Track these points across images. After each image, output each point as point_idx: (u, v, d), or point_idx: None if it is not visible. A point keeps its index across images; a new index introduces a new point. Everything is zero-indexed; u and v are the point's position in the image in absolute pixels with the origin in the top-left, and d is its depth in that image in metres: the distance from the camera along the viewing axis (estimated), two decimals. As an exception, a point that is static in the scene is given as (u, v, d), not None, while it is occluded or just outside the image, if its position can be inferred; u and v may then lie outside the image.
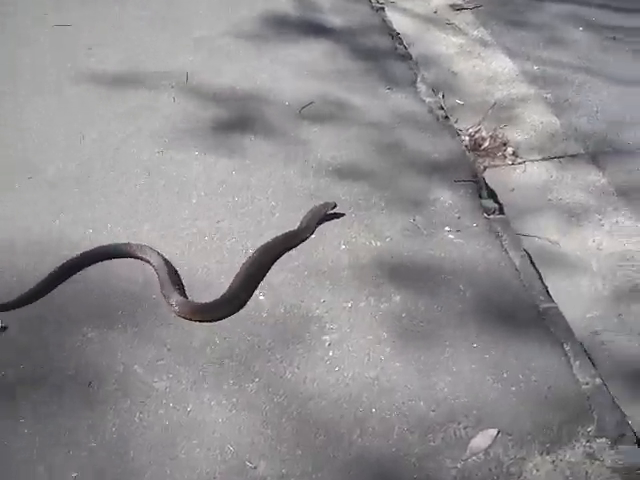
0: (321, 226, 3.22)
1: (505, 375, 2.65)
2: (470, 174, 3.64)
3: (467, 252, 3.16)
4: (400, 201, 3.39)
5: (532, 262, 3.25)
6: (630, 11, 5.40)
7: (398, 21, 5.21)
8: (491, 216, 3.42)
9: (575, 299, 3.20)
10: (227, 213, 3.23)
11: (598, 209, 3.66)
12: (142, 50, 4.36)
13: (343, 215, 3.26)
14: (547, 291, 3.08)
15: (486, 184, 3.72)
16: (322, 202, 3.25)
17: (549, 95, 4.48)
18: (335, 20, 4.87)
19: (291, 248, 3.09)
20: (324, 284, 2.95)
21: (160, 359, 2.58)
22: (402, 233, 3.24)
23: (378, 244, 3.17)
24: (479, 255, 3.15)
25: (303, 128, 3.81)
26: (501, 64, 4.79)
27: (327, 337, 2.74)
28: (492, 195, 3.66)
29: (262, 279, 2.93)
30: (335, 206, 3.26)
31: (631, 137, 4.12)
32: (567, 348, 2.79)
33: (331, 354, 2.68)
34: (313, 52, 4.49)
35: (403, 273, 3.03)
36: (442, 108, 4.22)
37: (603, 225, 3.58)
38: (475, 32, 5.14)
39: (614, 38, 5.01)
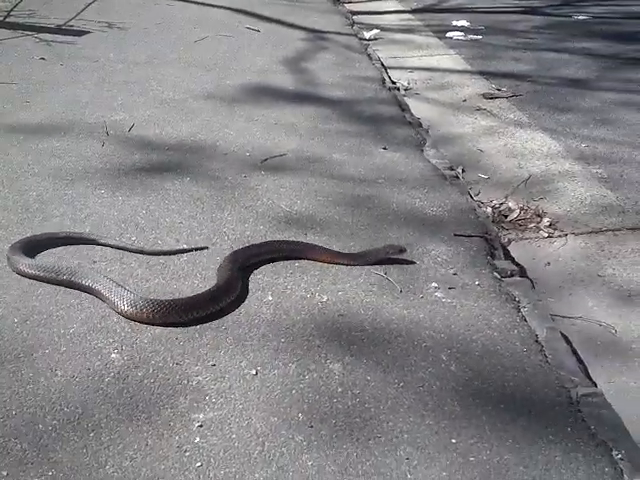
0: (248, 272, 2.26)
1: (502, 494, 1.49)
2: (479, 231, 2.65)
3: (460, 315, 2.10)
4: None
5: (567, 340, 2.14)
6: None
7: (418, 107, 4.52)
8: (506, 279, 2.37)
9: (636, 397, 2.02)
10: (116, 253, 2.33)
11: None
12: (87, 104, 3.77)
13: (413, 263, 2.39)
14: (587, 374, 1.93)
15: (503, 245, 2.70)
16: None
17: (600, 170, 3.54)
18: (339, 93, 4.22)
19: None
20: (223, 343, 1.92)
21: None
22: (363, 287, 2.23)
23: (324, 299, 2.15)
24: (479, 320, 2.08)
25: (259, 177, 2.98)
26: (539, 143, 3.94)
27: (199, 416, 1.66)
28: (515, 263, 2.62)
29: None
30: (403, 251, 2.42)
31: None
32: (618, 456, 1.61)
33: (196, 441, 1.59)
34: (299, 115, 3.79)
35: (353, 336, 1.98)
36: (452, 169, 3.34)
37: (681, 306, 2.44)
38: (510, 115, 4.38)
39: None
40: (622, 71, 5.27)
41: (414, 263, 2.41)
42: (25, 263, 2.17)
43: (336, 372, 1.83)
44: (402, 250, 2.44)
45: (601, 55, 5.75)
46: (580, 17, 7.18)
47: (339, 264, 2.37)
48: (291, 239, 2.47)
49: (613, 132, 4.08)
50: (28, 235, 2.38)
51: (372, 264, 2.38)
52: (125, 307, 1.99)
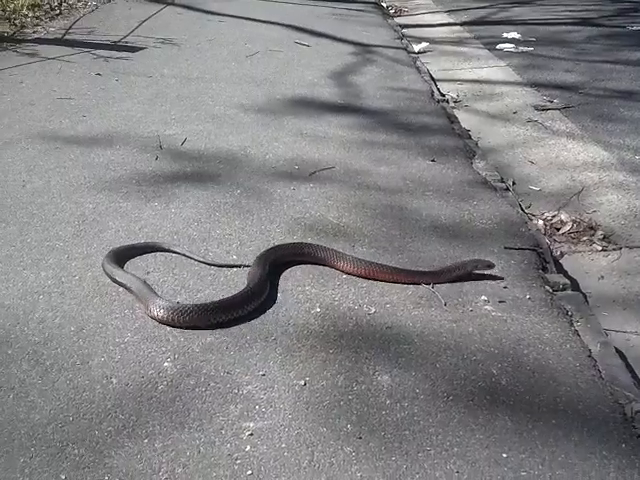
0: (290, 283, 2.29)
1: (554, 510, 1.47)
2: (530, 244, 2.62)
3: (511, 329, 2.08)
4: (413, 265, 2.42)
5: (622, 355, 2.10)
6: None
7: (468, 119, 4.51)
8: (558, 293, 2.34)
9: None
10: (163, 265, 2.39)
11: None
12: (141, 118, 3.87)
13: (501, 279, 2.37)
14: (643, 389, 1.89)
15: (555, 258, 2.67)
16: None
17: (654, 183, 3.46)
18: (386, 106, 4.24)
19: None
20: (272, 353, 1.94)
21: None
22: (411, 299, 2.23)
23: (372, 310, 2.16)
24: (530, 334, 2.06)
25: (307, 190, 3.01)
26: (592, 154, 3.87)
27: (250, 424, 1.69)
28: (567, 277, 2.58)
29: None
30: (491, 266, 2.39)
31: None
32: (679, 475, 1.57)
33: (247, 449, 1.61)
34: (346, 128, 3.84)
35: (401, 348, 1.98)
36: (502, 181, 3.31)
37: None
38: (562, 127, 4.32)
39: None
40: (677, 82, 5.16)
41: (502, 279, 2.38)
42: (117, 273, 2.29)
43: (384, 384, 1.84)
44: (490, 265, 2.39)
45: (656, 65, 5.63)
46: (634, 27, 7.05)
47: (417, 284, 2.33)
48: (365, 259, 2.42)
49: (669, 144, 4.00)
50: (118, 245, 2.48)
51: (454, 280, 2.35)
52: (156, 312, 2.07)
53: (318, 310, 2.16)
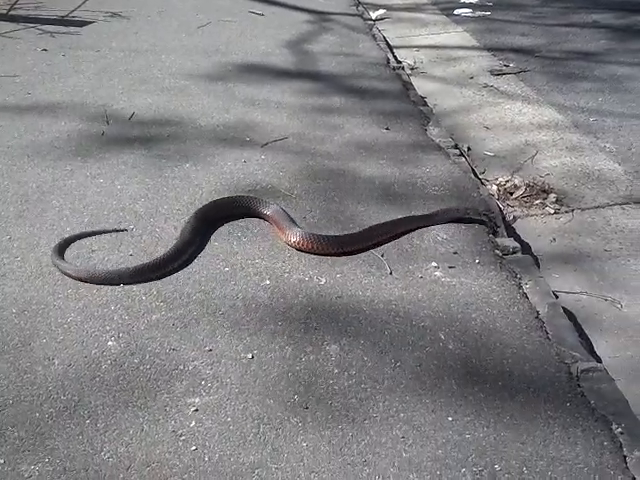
0: (240, 258, 2.26)
1: (498, 469, 1.48)
2: (481, 208, 2.62)
3: (460, 293, 2.09)
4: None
5: (570, 316, 2.12)
6: None
7: (424, 85, 4.49)
8: (508, 256, 2.36)
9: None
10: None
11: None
12: (87, 94, 3.77)
13: (483, 224, 2.54)
14: (590, 349, 1.92)
15: (506, 221, 2.68)
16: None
17: (608, 144, 3.50)
18: (341, 74, 4.20)
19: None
20: (219, 328, 1.93)
21: None
22: (362, 269, 2.22)
23: (322, 281, 2.15)
24: (478, 298, 2.07)
25: (259, 162, 2.97)
26: (547, 118, 3.89)
27: (195, 400, 1.68)
28: (518, 240, 2.60)
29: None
30: (482, 215, 2.57)
31: None
32: (617, 430, 1.60)
33: (192, 425, 1.60)
34: (300, 97, 3.79)
35: (351, 318, 1.98)
36: (456, 147, 3.31)
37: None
38: (518, 91, 4.33)
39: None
40: (632, 42, 5.18)
41: (484, 224, 2.52)
42: None
43: (333, 354, 1.84)
44: (482, 214, 2.57)
45: (611, 27, 5.65)
46: (591, -12, 7.06)
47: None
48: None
49: (622, 105, 4.02)
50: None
51: (445, 221, 2.51)
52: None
53: (267, 283, 2.15)
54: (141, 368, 1.78)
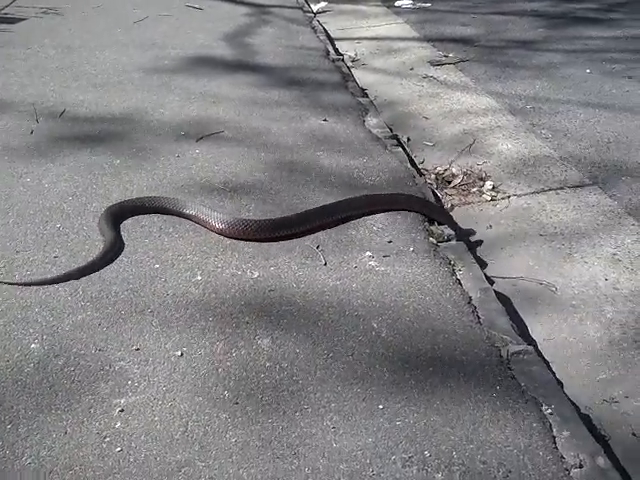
0: (171, 254, 2.23)
1: (428, 455, 1.49)
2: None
3: (393, 282, 2.10)
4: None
5: (503, 300, 2.15)
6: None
7: (364, 76, 4.52)
8: (443, 244, 2.37)
9: (577, 354, 2.04)
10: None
11: (608, 240, 2.56)
12: (17, 92, 3.65)
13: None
14: (523, 331, 1.95)
15: (439, 208, 2.70)
16: None
17: (544, 131, 3.56)
18: (280, 67, 4.17)
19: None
20: (147, 327, 1.89)
21: None
22: (296, 261, 2.21)
23: (255, 275, 2.13)
24: (412, 286, 2.08)
25: (193, 157, 2.93)
26: (484, 106, 3.94)
27: (120, 401, 1.64)
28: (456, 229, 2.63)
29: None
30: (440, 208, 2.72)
31: (635, 157, 3.18)
32: (547, 411, 1.62)
33: (117, 426, 1.57)
34: (237, 90, 3.76)
35: (284, 310, 1.96)
36: (395, 137, 3.34)
37: (619, 260, 2.46)
38: (457, 80, 4.37)
39: (613, 69, 4.21)
40: (568, 29, 5.30)
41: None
42: None
43: (265, 347, 1.82)
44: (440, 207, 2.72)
45: (548, 15, 5.76)
46: (529, -22, 7.18)
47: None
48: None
49: (558, 91, 4.10)
50: None
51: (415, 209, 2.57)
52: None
53: (199, 278, 2.12)
54: (65, 370, 1.73)
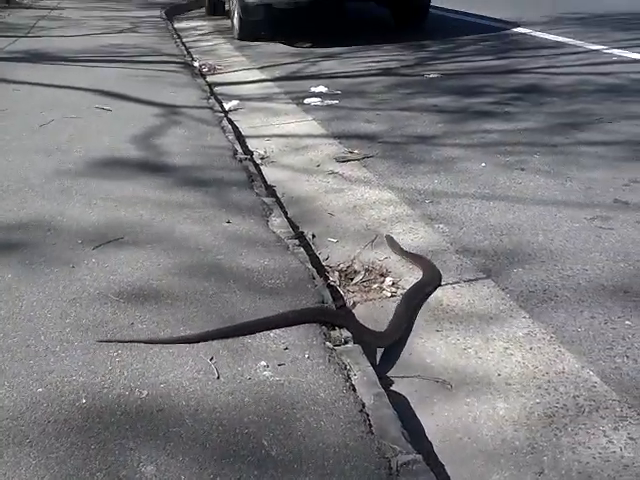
0: (56, 376, 2.13)
1: None
2: (316, 300, 2.64)
3: (287, 393, 2.07)
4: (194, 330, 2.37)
5: (397, 405, 2.14)
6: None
7: (272, 174, 4.60)
8: (339, 347, 2.37)
9: (471, 456, 2.04)
10: None
11: (501, 335, 2.63)
12: None
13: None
14: (416, 438, 1.93)
15: (347, 309, 2.72)
16: None
17: (441, 225, 3.66)
18: (186, 167, 4.20)
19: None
20: (25, 459, 1.78)
21: None
22: (188, 376, 2.16)
23: (144, 394, 2.05)
24: (305, 396, 2.06)
25: (88, 267, 2.86)
26: (386, 202, 4.05)
27: None
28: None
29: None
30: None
31: (527, 248, 3.32)
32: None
33: None
34: (141, 193, 3.75)
35: (171, 432, 1.89)
36: (299, 236, 3.37)
37: (512, 354, 2.52)
38: (360, 176, 4.50)
39: (507, 162, 4.41)
40: (466, 124, 5.56)
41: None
42: None
43: (148, 476, 1.73)
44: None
45: (448, 110, 6.05)
46: (430, 75, 7.56)
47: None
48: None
49: (455, 185, 4.25)
50: None
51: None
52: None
53: (84, 402, 2.02)
54: None
